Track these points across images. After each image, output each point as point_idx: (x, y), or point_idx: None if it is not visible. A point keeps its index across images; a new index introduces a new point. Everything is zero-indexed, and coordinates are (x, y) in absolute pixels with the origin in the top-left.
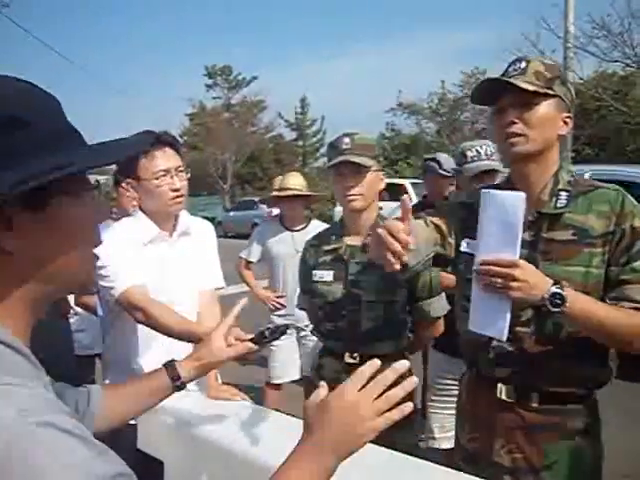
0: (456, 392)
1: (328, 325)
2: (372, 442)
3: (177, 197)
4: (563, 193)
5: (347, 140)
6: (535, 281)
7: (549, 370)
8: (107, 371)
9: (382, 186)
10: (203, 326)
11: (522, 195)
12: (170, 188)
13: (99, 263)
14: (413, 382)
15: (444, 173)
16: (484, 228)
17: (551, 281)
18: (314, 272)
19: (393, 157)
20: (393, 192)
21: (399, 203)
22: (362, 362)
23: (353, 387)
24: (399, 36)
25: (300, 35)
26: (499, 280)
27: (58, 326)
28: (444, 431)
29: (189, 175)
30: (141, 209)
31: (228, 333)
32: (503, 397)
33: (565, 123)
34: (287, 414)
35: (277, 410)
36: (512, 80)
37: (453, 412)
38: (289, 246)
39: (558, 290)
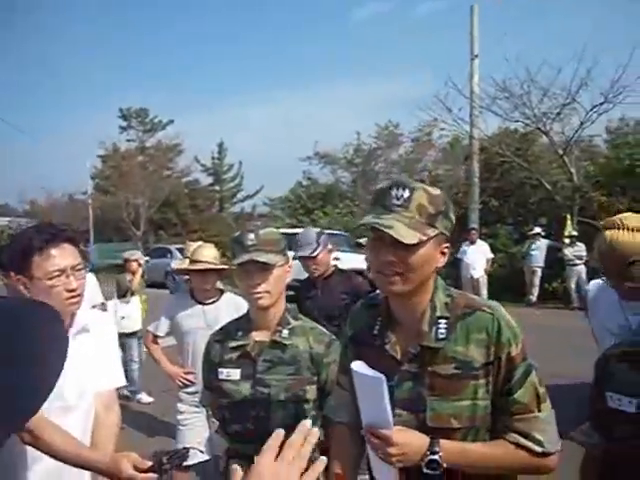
0: None
1: (235, 426)
2: None
3: (72, 297)
4: (442, 321)
5: (252, 236)
6: (409, 451)
7: None
8: None
9: (288, 279)
10: (97, 453)
11: (381, 378)
12: (65, 288)
13: None
14: (324, 462)
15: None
16: (360, 398)
17: (426, 445)
18: (220, 370)
19: (309, 206)
20: None
21: None
22: None
23: (268, 459)
24: (316, 86)
25: (217, 80)
26: (379, 450)
27: None
28: None
29: (88, 269)
30: None
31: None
32: None
33: (443, 254)
34: None
35: None
36: (393, 231)
37: None
38: (200, 320)
39: (433, 457)
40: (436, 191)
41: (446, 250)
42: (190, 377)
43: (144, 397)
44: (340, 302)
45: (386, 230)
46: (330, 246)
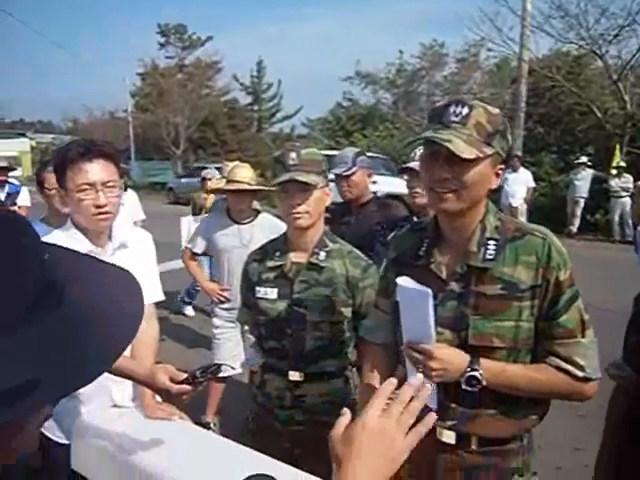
0: None
1: (272, 343)
2: None
3: (100, 214)
4: (491, 242)
5: (294, 155)
6: (450, 367)
7: (486, 420)
8: None
9: (328, 202)
10: (135, 363)
11: (427, 291)
12: (94, 204)
13: None
14: (433, 418)
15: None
16: (403, 313)
17: (467, 362)
18: (257, 288)
19: (348, 128)
20: None
21: None
22: (306, 380)
23: (375, 412)
24: (357, 2)
25: None
26: (419, 365)
27: None
28: None
29: (123, 186)
30: (73, 222)
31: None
32: (444, 439)
33: (497, 175)
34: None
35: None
36: (451, 145)
37: None
38: (235, 239)
39: (473, 374)
40: (495, 110)
41: (500, 172)
42: (226, 294)
43: (189, 311)
44: (370, 233)
45: (445, 144)
46: (369, 169)
